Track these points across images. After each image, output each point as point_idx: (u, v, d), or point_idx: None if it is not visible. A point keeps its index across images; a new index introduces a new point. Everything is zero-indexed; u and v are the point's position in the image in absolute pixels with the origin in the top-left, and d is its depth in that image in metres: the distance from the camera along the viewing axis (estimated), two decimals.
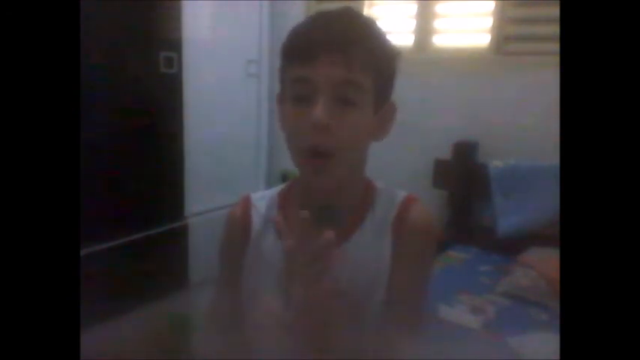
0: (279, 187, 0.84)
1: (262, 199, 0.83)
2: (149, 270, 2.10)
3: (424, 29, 2.27)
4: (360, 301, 0.73)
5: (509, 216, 1.94)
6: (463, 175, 2.10)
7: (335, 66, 0.64)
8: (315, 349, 0.69)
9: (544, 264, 1.59)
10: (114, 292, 1.91)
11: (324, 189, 0.72)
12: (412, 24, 2.30)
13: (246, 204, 0.83)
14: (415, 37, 2.30)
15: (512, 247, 1.80)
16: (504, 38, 2.09)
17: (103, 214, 1.91)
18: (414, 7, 2.29)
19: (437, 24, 2.26)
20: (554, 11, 1.82)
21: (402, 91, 2.63)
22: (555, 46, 2.08)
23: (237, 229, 0.82)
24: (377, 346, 0.71)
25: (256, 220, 0.81)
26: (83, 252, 1.74)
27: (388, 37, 0.72)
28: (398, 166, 2.01)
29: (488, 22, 2.12)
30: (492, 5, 2.09)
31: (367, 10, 2.40)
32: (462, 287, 1.67)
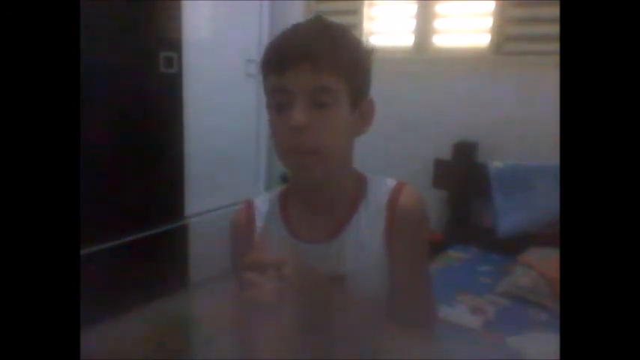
0: (279, 189, 0.88)
1: (264, 201, 0.87)
2: (149, 270, 2.10)
3: (424, 29, 2.28)
4: (361, 288, 0.76)
5: (509, 216, 1.94)
6: (463, 175, 2.10)
7: (304, 75, 0.70)
8: (322, 340, 0.71)
9: (544, 264, 1.59)
10: (114, 292, 1.91)
11: (312, 184, 0.78)
12: (412, 24, 2.30)
13: (250, 209, 0.86)
14: (415, 37, 2.30)
15: (512, 247, 1.80)
16: (504, 38, 2.09)
17: (103, 214, 1.91)
18: (414, 7, 2.29)
19: (437, 24, 2.26)
20: (554, 11, 1.82)
21: (402, 91, 2.64)
22: (555, 46, 2.08)
23: (243, 234, 0.85)
24: (383, 337, 0.73)
25: (260, 223, 0.84)
26: (83, 252, 1.75)
27: (360, 39, 0.78)
28: (398, 166, 2.01)
29: (489, 22, 2.12)
30: (492, 5, 2.10)
31: (367, 10, 2.41)
32: (462, 287, 1.67)
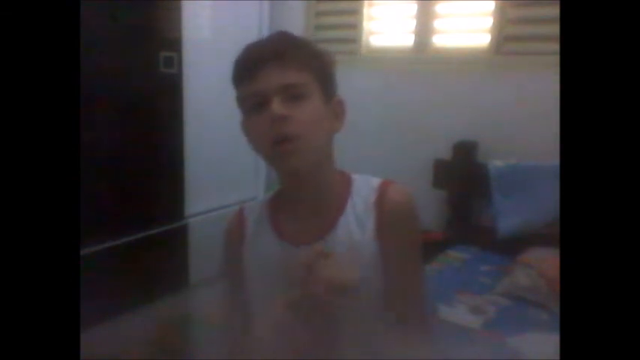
0: (269, 195, 0.91)
1: (254, 207, 0.89)
2: (149, 270, 2.10)
3: (424, 29, 2.27)
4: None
5: (509, 216, 1.94)
6: (463, 175, 2.10)
7: (274, 73, 0.74)
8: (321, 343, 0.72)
9: (544, 264, 1.59)
10: (114, 292, 1.91)
11: (294, 175, 0.79)
12: (412, 24, 2.30)
13: (240, 214, 0.89)
14: (415, 37, 2.30)
15: (512, 247, 1.80)
16: (504, 38, 2.09)
17: (103, 214, 1.91)
18: (414, 7, 2.29)
19: (437, 24, 2.26)
20: (554, 11, 1.82)
21: (402, 91, 2.64)
22: (555, 46, 2.07)
23: (235, 241, 0.88)
24: (379, 336, 0.73)
25: (250, 228, 0.87)
26: (83, 252, 1.75)
27: (321, 48, 0.83)
28: (398, 166, 2.01)
29: (489, 22, 2.12)
30: (492, 5, 2.09)
31: (367, 10, 2.41)
32: (462, 287, 1.67)
